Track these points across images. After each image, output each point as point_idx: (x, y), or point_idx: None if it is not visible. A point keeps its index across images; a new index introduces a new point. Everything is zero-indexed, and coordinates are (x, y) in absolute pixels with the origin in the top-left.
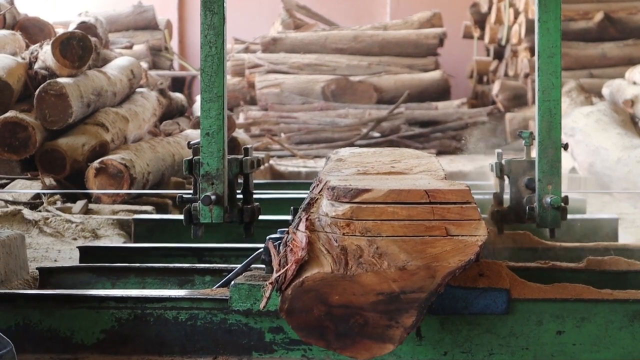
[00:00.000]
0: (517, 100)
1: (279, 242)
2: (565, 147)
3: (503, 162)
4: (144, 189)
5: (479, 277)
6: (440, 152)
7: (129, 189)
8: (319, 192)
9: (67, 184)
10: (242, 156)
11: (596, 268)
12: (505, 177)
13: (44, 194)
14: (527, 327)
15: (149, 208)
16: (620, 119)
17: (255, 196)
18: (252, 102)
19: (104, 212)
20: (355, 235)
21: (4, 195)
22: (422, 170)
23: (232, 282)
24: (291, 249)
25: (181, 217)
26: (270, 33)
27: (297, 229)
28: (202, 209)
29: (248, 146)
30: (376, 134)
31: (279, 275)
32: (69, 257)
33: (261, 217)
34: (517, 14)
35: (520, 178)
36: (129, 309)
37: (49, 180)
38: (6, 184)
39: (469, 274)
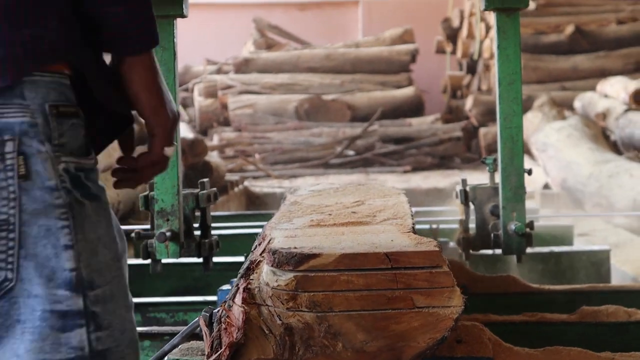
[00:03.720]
0: (491, 115)
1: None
2: (529, 172)
3: (467, 188)
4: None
5: (456, 344)
6: (415, 169)
7: None
8: (260, 253)
9: None
10: (198, 190)
11: (591, 320)
12: (471, 204)
13: None
14: None
15: None
16: (592, 133)
17: (224, 231)
18: (226, 123)
19: None
20: (301, 311)
21: None
22: (387, 217)
23: (166, 359)
24: (225, 328)
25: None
26: (243, 53)
27: (233, 301)
28: (157, 246)
29: (204, 180)
30: (351, 152)
31: None
32: None
33: (223, 258)
34: (488, 29)
35: (485, 204)
36: None
37: None
38: None
39: None
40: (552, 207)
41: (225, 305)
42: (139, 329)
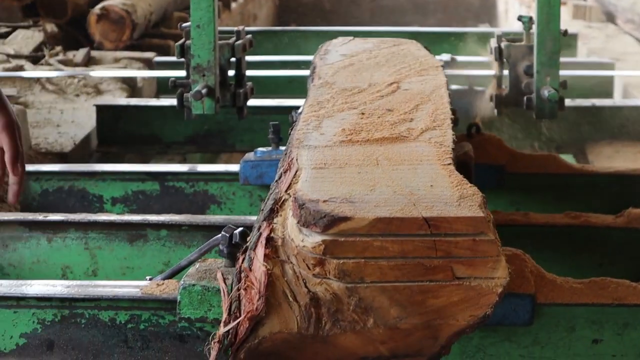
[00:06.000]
0: None
1: (238, 231)
2: (565, 33)
3: (502, 45)
4: (146, 30)
5: None
6: None
7: (131, 35)
8: (286, 190)
9: (69, 30)
10: (234, 39)
11: (637, 226)
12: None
13: (45, 46)
14: (556, 335)
15: (150, 55)
16: None
17: (257, 72)
18: None
19: (106, 60)
20: (329, 279)
21: (5, 49)
22: (425, 126)
23: (182, 283)
24: (245, 289)
25: (147, 102)
26: None
27: (254, 253)
28: (193, 102)
29: (240, 28)
30: None
31: (228, 331)
32: (71, 120)
33: (258, 102)
34: None
35: (520, 63)
36: (55, 308)
37: (50, 27)
38: (7, 34)
39: None
40: (583, 20)
41: (245, 263)
42: (151, 218)
